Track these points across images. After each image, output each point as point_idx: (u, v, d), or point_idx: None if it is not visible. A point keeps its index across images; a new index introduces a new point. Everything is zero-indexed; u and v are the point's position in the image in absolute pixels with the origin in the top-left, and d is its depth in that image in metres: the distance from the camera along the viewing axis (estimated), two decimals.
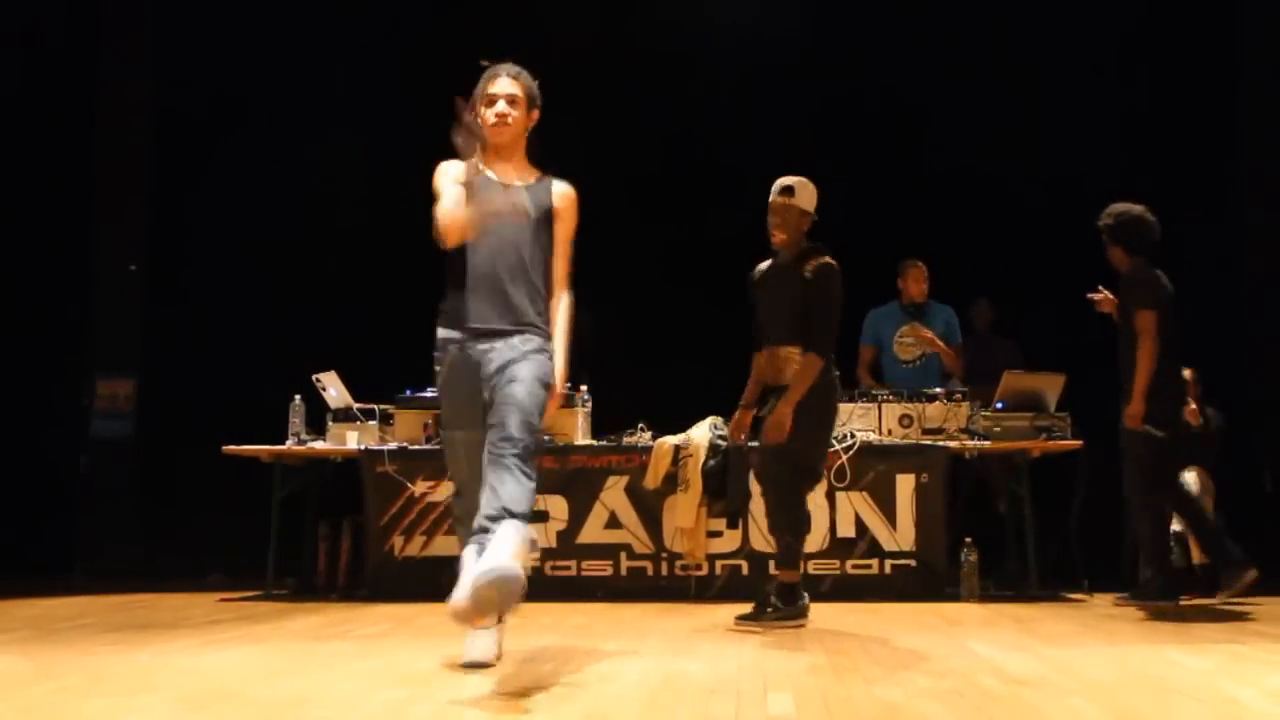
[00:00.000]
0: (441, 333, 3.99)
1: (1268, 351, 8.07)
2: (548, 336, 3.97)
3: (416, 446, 6.61)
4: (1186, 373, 6.85)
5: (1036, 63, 8.23)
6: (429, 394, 6.73)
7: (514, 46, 4.12)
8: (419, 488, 6.51)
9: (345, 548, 6.94)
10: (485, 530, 3.45)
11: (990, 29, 8.37)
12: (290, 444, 6.75)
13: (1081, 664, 3.88)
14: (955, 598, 6.16)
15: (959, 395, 6.61)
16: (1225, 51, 8.32)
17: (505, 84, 4.01)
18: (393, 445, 6.62)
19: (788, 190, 5.24)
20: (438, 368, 4.00)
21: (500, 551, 3.31)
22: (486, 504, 3.52)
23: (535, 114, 4.11)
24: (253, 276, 8.40)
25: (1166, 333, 5.95)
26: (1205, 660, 3.95)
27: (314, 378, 6.85)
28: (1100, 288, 6.34)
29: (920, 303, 7.35)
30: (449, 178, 3.93)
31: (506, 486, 3.51)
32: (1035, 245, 8.13)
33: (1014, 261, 8.06)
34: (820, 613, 5.55)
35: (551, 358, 3.93)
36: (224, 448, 6.73)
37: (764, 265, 5.48)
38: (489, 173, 3.98)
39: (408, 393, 6.77)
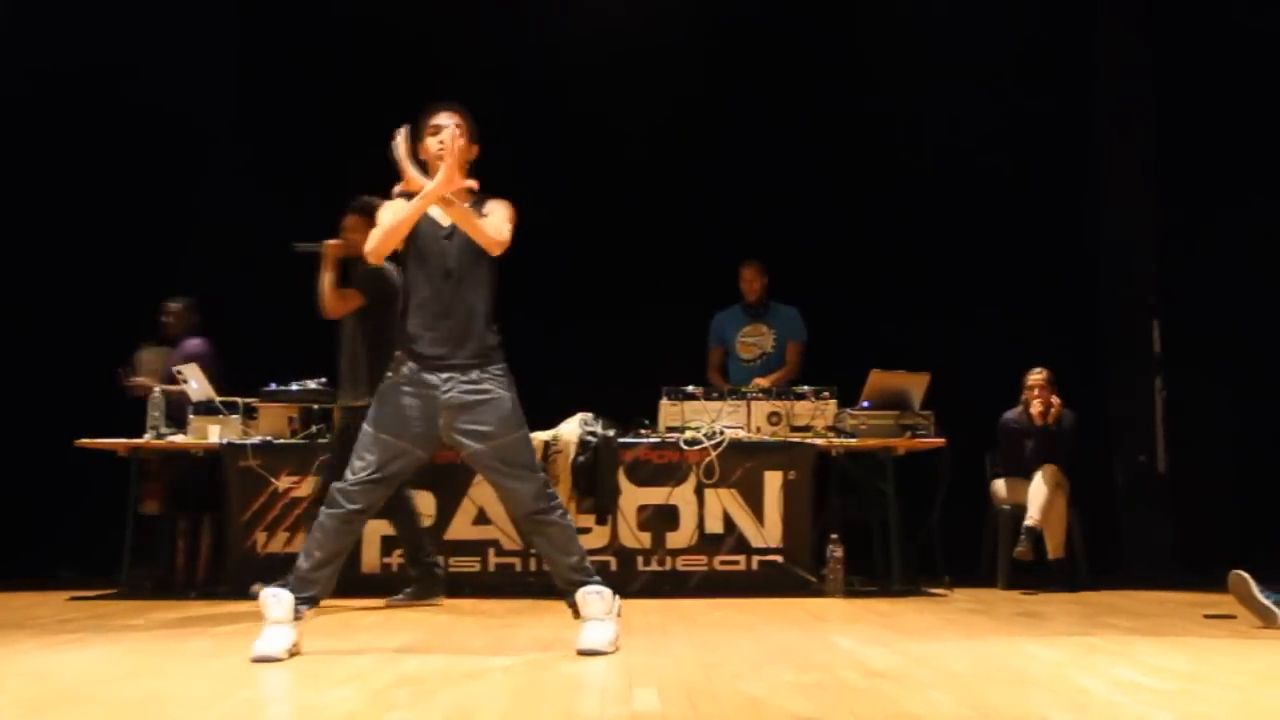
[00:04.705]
0: None
1: (1121, 351, 8.35)
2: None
3: (281, 441, 6.48)
4: (1041, 374, 7.06)
5: (909, 65, 8.39)
6: (293, 388, 6.61)
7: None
8: (283, 483, 6.39)
9: (205, 544, 6.80)
10: None
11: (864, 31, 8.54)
12: (149, 437, 6.56)
13: (941, 657, 3.96)
14: (821, 593, 6.25)
15: (826, 394, 6.70)
16: (1084, 56, 8.60)
17: (443, 115, 4.12)
18: (256, 440, 6.47)
19: None
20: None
21: None
22: None
23: (475, 149, 4.18)
24: (110, 263, 8.13)
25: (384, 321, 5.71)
26: (1058, 652, 4.07)
27: (175, 370, 6.67)
28: None
29: (758, 303, 7.44)
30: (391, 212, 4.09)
31: None
32: (891, 244, 8.30)
33: (869, 260, 8.22)
34: (687, 608, 5.60)
35: None
36: (77, 441, 6.51)
37: None
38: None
39: (272, 386, 6.63)
